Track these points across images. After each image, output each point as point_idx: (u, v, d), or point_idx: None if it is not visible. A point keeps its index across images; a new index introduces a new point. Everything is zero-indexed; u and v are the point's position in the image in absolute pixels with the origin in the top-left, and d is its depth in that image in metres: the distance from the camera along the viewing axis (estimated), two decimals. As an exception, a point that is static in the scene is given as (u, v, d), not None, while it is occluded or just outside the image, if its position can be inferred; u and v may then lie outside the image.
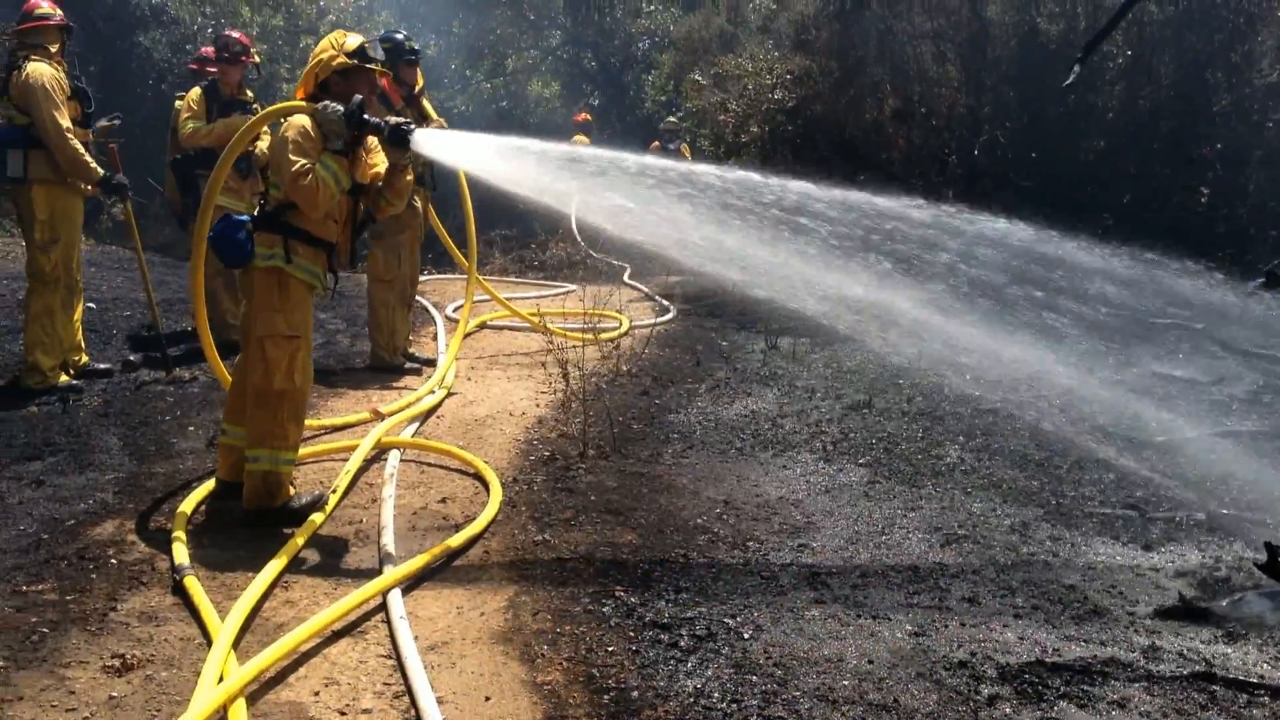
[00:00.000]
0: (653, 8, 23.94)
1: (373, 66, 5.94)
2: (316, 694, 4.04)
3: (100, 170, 7.84)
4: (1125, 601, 5.02)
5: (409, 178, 6.04)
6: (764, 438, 7.41)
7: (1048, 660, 4.38)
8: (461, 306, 10.52)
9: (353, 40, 5.88)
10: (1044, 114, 13.70)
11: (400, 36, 9.04)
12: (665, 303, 12.64)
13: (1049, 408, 7.91)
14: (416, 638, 4.39)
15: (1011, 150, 13.76)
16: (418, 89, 9.16)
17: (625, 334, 10.57)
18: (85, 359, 8.34)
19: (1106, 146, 13.70)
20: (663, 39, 23.01)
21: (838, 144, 13.85)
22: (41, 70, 7.60)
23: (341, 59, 5.79)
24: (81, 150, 7.66)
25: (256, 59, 9.72)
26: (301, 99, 5.88)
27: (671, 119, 18.88)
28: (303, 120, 5.60)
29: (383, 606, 4.70)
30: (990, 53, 14.09)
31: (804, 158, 13.88)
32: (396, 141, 5.66)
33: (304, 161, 5.45)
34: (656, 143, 18.26)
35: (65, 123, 7.57)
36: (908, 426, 7.72)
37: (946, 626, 4.68)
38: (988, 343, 6.92)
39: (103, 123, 8.43)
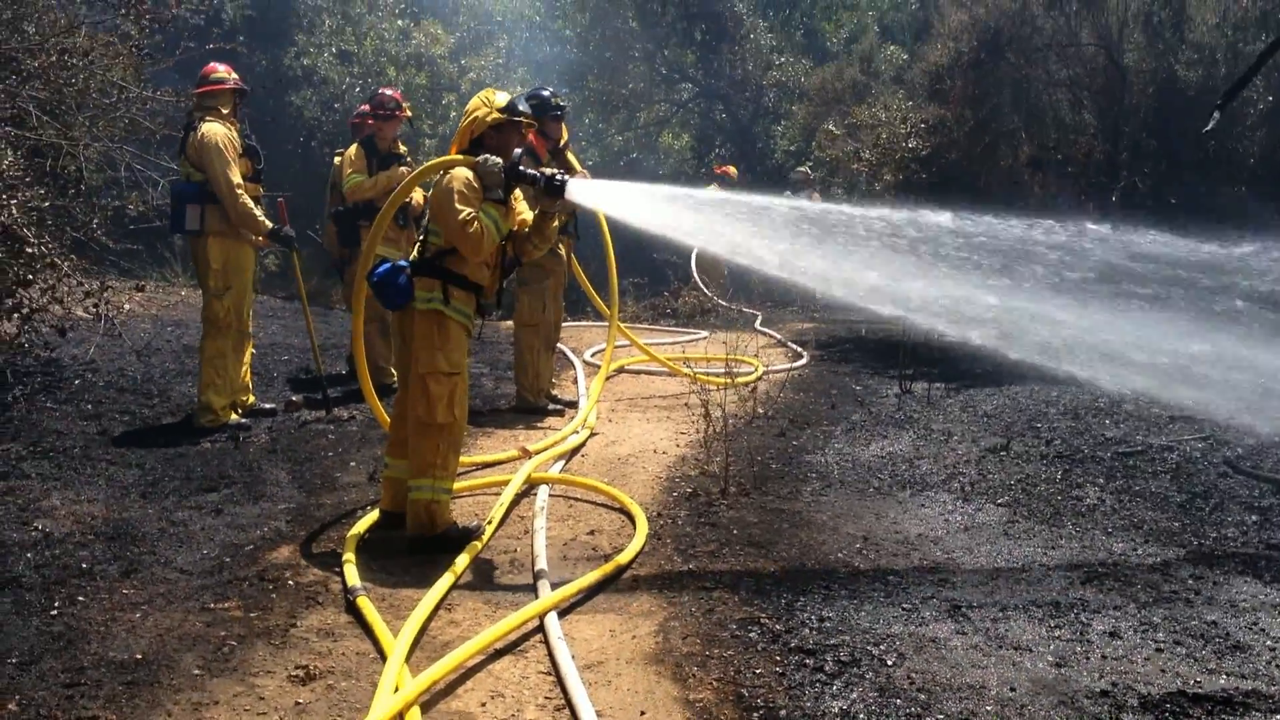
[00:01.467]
0: (783, 60, 24.23)
1: (521, 119, 6.32)
2: (483, 705, 4.32)
3: (269, 223, 8.36)
4: (1267, 638, 5.04)
5: (555, 224, 6.39)
6: (901, 478, 7.55)
7: (1189, 691, 4.45)
8: (599, 351, 10.86)
9: (502, 97, 6.27)
10: (1183, 160, 13.60)
11: (546, 94, 9.42)
12: (798, 348, 12.82)
13: (1191, 450, 7.91)
14: (573, 657, 4.63)
15: (1150, 197, 13.67)
16: (562, 143, 9.53)
17: (760, 378, 10.77)
18: (252, 399, 8.85)
19: (1248, 192, 13.54)
20: (793, 90, 23.28)
21: (972, 191, 13.89)
22: (215, 130, 8.16)
23: (495, 115, 6.17)
24: (251, 205, 8.18)
25: (409, 114, 10.22)
26: (455, 154, 6.26)
27: (801, 169, 19.09)
28: (465, 172, 5.98)
29: (540, 628, 4.97)
30: (1127, 100, 14.05)
31: (938, 205, 13.96)
32: (551, 191, 6.03)
33: (469, 210, 5.82)
34: (788, 193, 18.50)
35: (237, 179, 8.10)
36: (1046, 469, 7.76)
37: (1088, 658, 4.78)
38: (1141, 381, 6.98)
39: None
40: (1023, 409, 9.52)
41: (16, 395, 8.60)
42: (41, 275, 8.62)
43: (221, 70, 8.45)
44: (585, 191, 6.43)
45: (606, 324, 10.73)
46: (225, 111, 8.36)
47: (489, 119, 6.17)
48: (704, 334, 13.80)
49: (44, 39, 8.91)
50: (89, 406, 8.61)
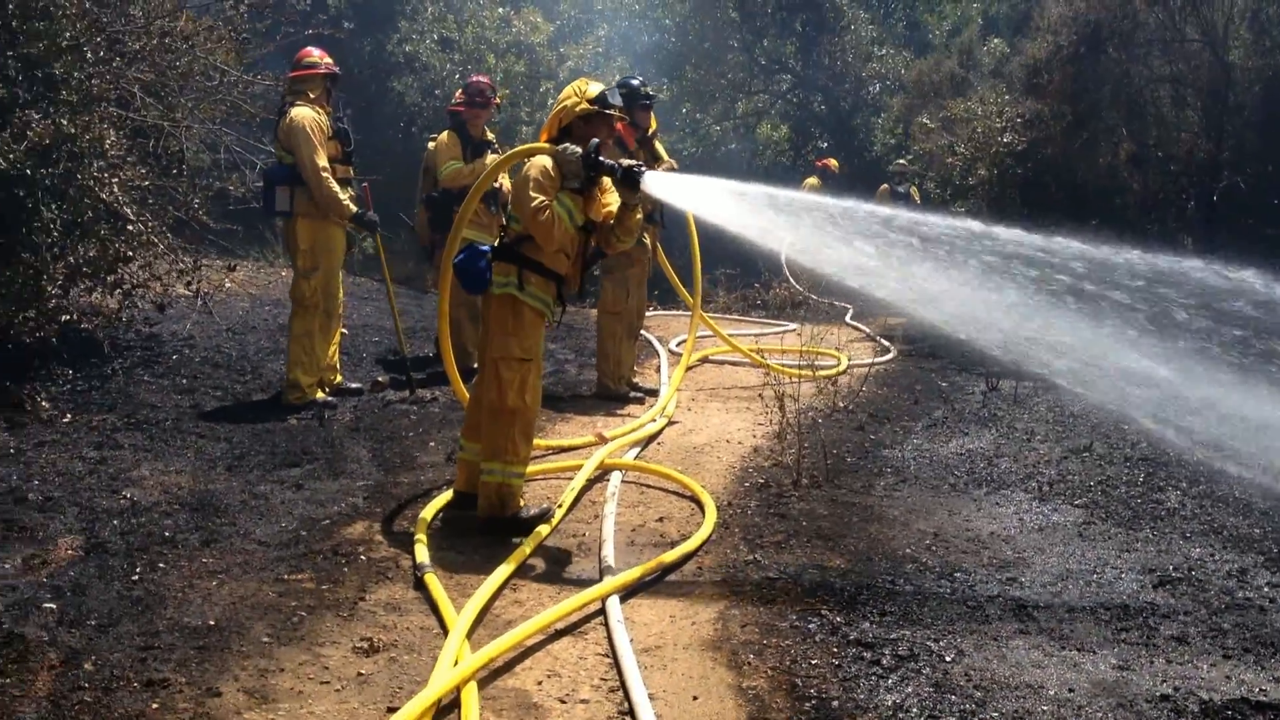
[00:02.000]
0: (884, 52, 24.04)
1: (612, 112, 6.34)
2: (540, 683, 4.40)
3: (353, 207, 8.52)
4: (1342, 649, 4.94)
5: (639, 216, 6.40)
6: (978, 475, 7.48)
7: (1253, 699, 4.37)
8: (685, 341, 10.91)
9: (594, 88, 6.28)
10: (1288, 160, 13.26)
11: (636, 83, 9.45)
12: (886, 343, 12.74)
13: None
14: (631, 640, 4.69)
15: (1253, 197, 13.34)
16: (650, 132, 9.56)
17: (843, 372, 10.73)
18: (339, 378, 9.05)
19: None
20: (893, 82, 23.10)
21: (1068, 188, 13.70)
22: (303, 114, 8.34)
23: (584, 105, 6.20)
24: (336, 189, 8.33)
25: (499, 101, 10.32)
26: (545, 141, 6.32)
27: (901, 161, 18.91)
28: (544, 160, 6.04)
29: (602, 611, 5.03)
30: (1232, 98, 13.71)
31: (1033, 202, 13.78)
32: (628, 182, 6.02)
33: (542, 198, 5.88)
34: (885, 186, 18.34)
35: (322, 163, 8.26)
36: (1129, 471, 7.64)
37: (1152, 662, 4.71)
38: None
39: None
40: (1111, 410, 9.35)
41: (116, 368, 8.90)
42: (141, 252, 8.91)
43: (315, 55, 8.62)
44: (664, 184, 6.42)
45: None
46: (314, 96, 8.51)
47: (577, 109, 6.20)
48: (792, 326, 13.74)
49: (148, 22, 9.17)
50: (184, 381, 8.88)
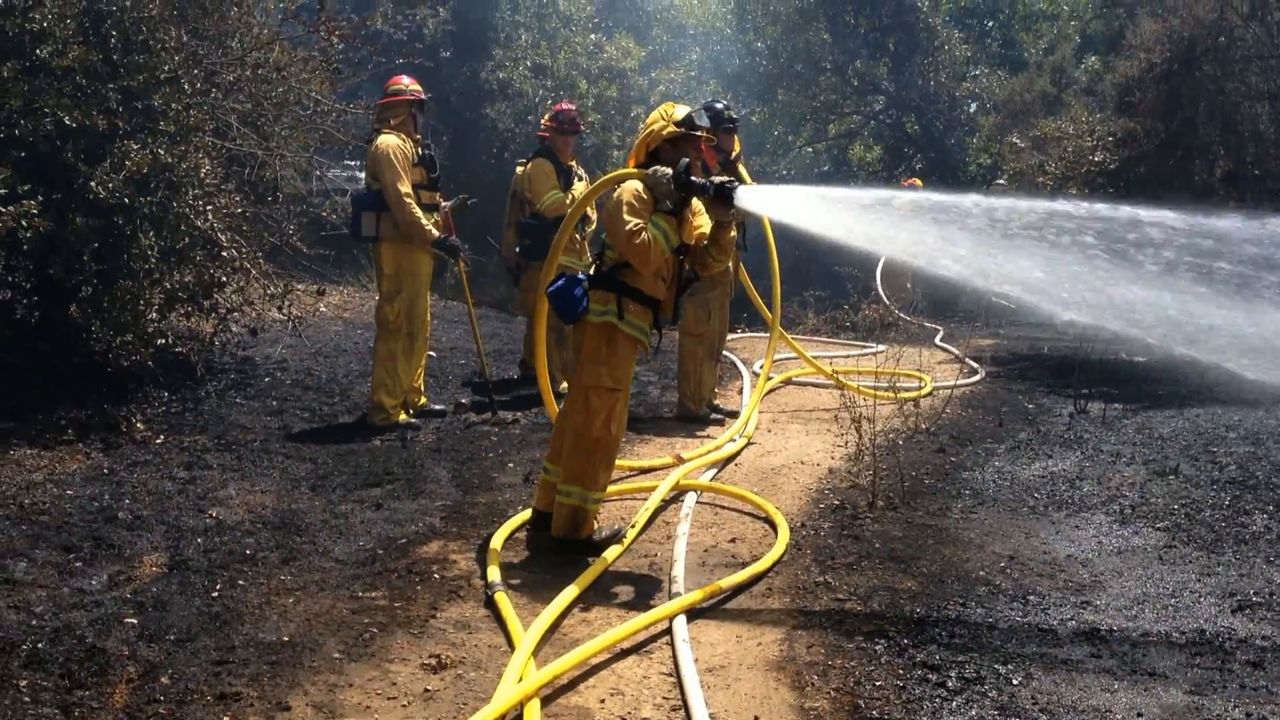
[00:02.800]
0: (978, 71, 23.87)
1: (698, 134, 6.36)
2: (602, 701, 4.45)
3: (435, 232, 8.67)
4: None
5: (733, 234, 6.41)
6: (1059, 498, 7.38)
7: (1329, 728, 4.28)
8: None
9: (680, 111, 6.30)
10: (1394, 178, 12.87)
11: (720, 106, 9.50)
12: (974, 365, 12.60)
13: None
14: (696, 660, 4.73)
15: (1355, 214, 12.94)
16: (734, 155, 9.61)
17: (928, 394, 10.65)
18: (424, 400, 9.22)
19: None
20: (988, 102, 22.91)
21: (1161, 207, 13.42)
22: (388, 142, 8.52)
23: (671, 128, 6.21)
24: (419, 214, 8.48)
25: (585, 127, 10.43)
26: (633, 166, 6.37)
27: (1001, 182, 18.71)
28: (635, 184, 6.07)
29: (668, 630, 5.07)
30: (1334, 115, 13.35)
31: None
32: (721, 198, 6.02)
33: (637, 221, 5.91)
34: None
35: (405, 189, 8.43)
36: (1215, 494, 7.47)
37: (1225, 688, 4.62)
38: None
39: (453, 202, 9.31)
40: (1201, 432, 9.18)
41: (209, 390, 9.17)
42: (235, 278, 9.17)
43: (403, 83, 8.80)
44: (756, 198, 6.41)
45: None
46: (396, 122, 8.67)
47: (664, 132, 6.21)
48: (881, 348, 13.65)
49: (244, 53, 9.45)
50: (274, 403, 9.12)
